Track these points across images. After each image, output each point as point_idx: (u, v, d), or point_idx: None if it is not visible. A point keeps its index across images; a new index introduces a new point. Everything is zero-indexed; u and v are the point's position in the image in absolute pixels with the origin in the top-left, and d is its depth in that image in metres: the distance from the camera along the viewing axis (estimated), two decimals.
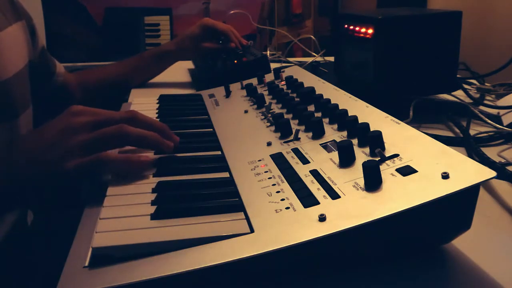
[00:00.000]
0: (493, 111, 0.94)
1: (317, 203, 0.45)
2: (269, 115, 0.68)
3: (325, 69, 1.26)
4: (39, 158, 0.55)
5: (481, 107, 0.96)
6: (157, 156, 0.60)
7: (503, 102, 0.98)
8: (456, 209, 0.45)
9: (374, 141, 0.50)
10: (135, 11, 2.29)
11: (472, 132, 0.84)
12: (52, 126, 0.58)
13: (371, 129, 0.54)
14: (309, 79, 0.83)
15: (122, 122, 0.57)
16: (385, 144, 0.51)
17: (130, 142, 0.58)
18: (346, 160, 0.50)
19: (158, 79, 1.19)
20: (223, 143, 0.65)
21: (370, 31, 0.91)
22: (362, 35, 0.94)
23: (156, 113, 0.82)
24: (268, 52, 1.49)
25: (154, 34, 2.31)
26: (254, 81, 0.90)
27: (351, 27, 0.98)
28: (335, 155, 0.53)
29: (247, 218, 0.45)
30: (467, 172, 0.43)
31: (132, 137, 0.57)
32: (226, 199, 0.49)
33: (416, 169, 0.45)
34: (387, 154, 0.49)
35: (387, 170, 0.46)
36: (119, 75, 1.14)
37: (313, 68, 1.25)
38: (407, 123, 0.56)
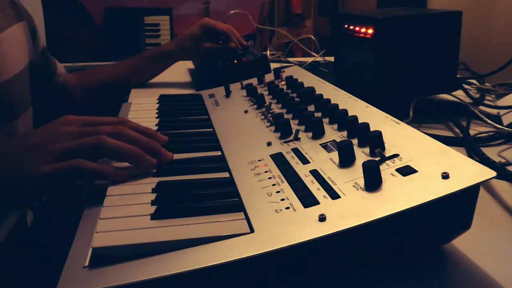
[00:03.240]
0: (493, 111, 0.94)
1: (317, 203, 0.45)
2: (269, 115, 0.68)
3: (325, 69, 1.26)
4: (17, 159, 0.55)
5: (481, 107, 0.96)
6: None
7: (503, 102, 0.98)
8: (456, 209, 0.45)
9: (374, 141, 0.50)
10: (135, 11, 2.29)
11: (472, 132, 0.84)
12: (38, 131, 0.58)
13: (371, 129, 0.54)
14: (309, 79, 0.83)
15: (108, 135, 0.56)
16: (385, 144, 0.51)
17: (106, 154, 0.57)
18: (346, 160, 0.50)
19: (158, 79, 1.19)
20: (223, 143, 0.65)
21: (370, 31, 0.91)
22: (362, 35, 0.94)
23: (156, 113, 0.82)
24: (268, 52, 1.48)
25: (154, 34, 2.31)
26: (254, 81, 0.90)
27: (351, 27, 0.98)
28: (335, 155, 0.53)
29: (247, 218, 0.45)
30: (467, 172, 0.43)
31: (108, 149, 0.56)
32: (226, 199, 0.49)
33: (416, 169, 0.45)
34: (387, 154, 0.49)
35: (387, 170, 0.46)
36: (119, 75, 1.14)
37: (313, 68, 1.25)
38: (407, 123, 0.56)
